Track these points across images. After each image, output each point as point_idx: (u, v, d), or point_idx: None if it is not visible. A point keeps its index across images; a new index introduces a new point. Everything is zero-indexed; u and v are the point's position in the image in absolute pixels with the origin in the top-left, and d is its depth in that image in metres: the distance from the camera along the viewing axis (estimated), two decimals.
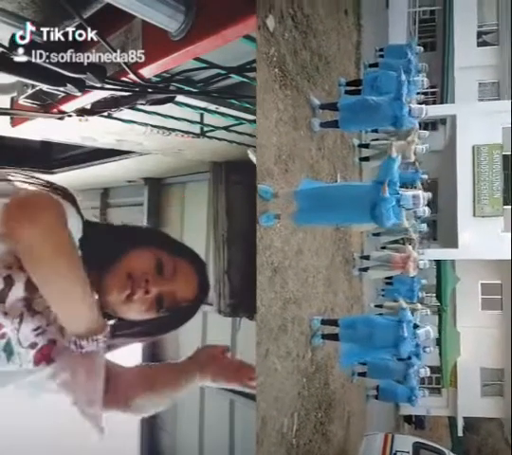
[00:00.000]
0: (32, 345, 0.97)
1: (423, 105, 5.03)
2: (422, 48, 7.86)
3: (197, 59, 1.93)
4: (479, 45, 10.72)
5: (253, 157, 2.93)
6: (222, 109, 2.25)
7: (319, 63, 5.28)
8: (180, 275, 1.07)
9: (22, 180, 1.04)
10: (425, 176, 8.29)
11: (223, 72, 1.95)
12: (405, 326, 4.28)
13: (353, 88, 5.79)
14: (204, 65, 1.93)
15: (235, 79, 2.01)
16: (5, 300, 0.92)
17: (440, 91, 10.89)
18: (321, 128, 4.89)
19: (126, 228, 1.17)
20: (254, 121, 2.54)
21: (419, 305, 6.99)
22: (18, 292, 0.94)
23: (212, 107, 2.22)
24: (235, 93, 2.13)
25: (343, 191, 3.65)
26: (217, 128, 2.64)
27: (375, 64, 7.49)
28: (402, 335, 4.24)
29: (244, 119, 2.46)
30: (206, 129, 2.67)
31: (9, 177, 1.04)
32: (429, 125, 10.53)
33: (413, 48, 7.35)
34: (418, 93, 7.81)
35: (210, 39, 1.74)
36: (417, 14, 12.22)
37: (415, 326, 4.43)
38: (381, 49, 8.36)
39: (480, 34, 10.72)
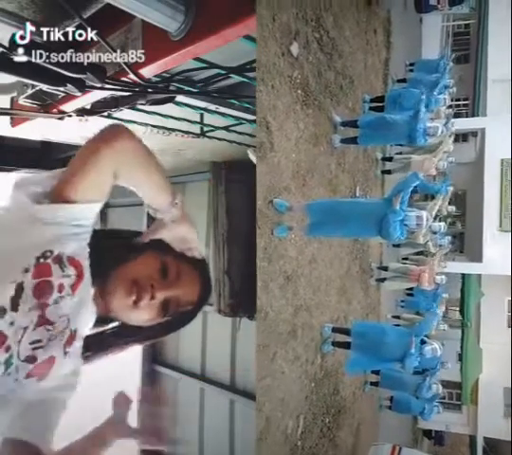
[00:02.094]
0: (30, 359, 0.89)
1: (438, 124, 4.96)
2: (452, 63, 7.60)
3: (197, 59, 1.86)
4: None
5: (253, 157, 2.85)
6: (222, 109, 2.17)
7: (343, 81, 5.24)
8: (184, 278, 1.02)
9: None
10: (450, 188, 7.95)
11: (223, 72, 1.87)
12: (413, 341, 4.09)
13: (377, 105, 5.70)
14: (204, 65, 1.86)
15: (235, 79, 1.93)
16: (17, 308, 0.85)
17: (471, 103, 10.47)
18: (342, 144, 4.87)
19: (130, 233, 1.12)
20: (254, 121, 2.45)
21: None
22: (29, 299, 0.86)
23: (212, 107, 2.15)
24: (235, 93, 2.05)
25: (353, 207, 3.61)
26: (217, 128, 2.57)
27: (404, 80, 7.30)
28: (409, 349, 4.05)
29: (244, 119, 2.37)
30: (206, 129, 2.60)
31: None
32: (460, 137, 10.13)
33: (444, 64, 7.13)
34: (450, 106, 7.58)
35: (210, 39, 1.67)
36: (451, 28, 11.87)
37: (422, 342, 4.20)
38: (412, 64, 8.15)
39: None
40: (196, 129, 2.54)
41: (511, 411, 10.17)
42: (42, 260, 0.89)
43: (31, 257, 0.88)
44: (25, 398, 0.92)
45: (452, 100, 8.89)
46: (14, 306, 0.85)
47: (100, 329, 1.06)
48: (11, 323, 0.85)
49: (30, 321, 0.87)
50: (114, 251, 1.00)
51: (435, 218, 6.75)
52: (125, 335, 1.07)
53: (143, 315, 0.98)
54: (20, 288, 0.85)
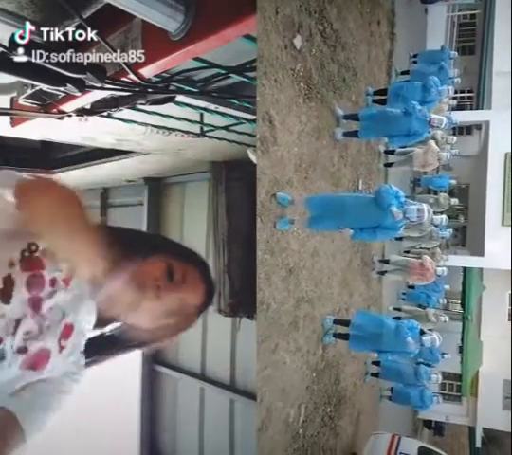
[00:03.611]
0: (21, 349, 0.90)
1: (443, 117, 4.91)
2: (456, 53, 7.48)
3: (197, 59, 1.85)
4: None
5: (253, 157, 2.84)
6: (222, 109, 2.16)
7: (346, 74, 5.19)
8: (189, 281, 1.02)
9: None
10: (453, 182, 7.91)
11: (223, 72, 1.86)
12: (410, 336, 4.13)
13: (380, 97, 5.64)
14: (204, 65, 1.85)
15: (235, 78, 1.92)
16: (10, 300, 0.86)
17: (476, 96, 10.32)
18: (344, 137, 4.85)
19: (134, 233, 1.13)
20: (254, 121, 2.43)
21: (434, 311, 6.73)
22: (22, 293, 0.87)
23: (212, 107, 2.13)
24: (235, 93, 2.04)
25: (352, 201, 3.59)
26: (217, 128, 2.55)
27: (407, 72, 7.21)
28: (404, 344, 4.09)
29: (243, 119, 2.35)
30: (206, 129, 2.58)
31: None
32: (464, 130, 10.02)
33: (446, 55, 7.03)
34: (455, 98, 7.49)
35: (210, 39, 1.66)
36: (457, 18, 11.64)
37: (422, 332, 4.24)
38: (416, 55, 8.03)
39: None
40: (196, 129, 2.53)
41: (511, 403, 10.24)
42: (27, 253, 0.89)
43: (16, 250, 0.88)
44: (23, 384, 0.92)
45: (456, 92, 8.76)
46: (5, 299, 0.85)
47: (101, 331, 1.06)
48: (2, 316, 0.85)
49: (23, 314, 0.87)
50: (121, 251, 0.98)
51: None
52: (127, 337, 1.07)
53: (147, 316, 0.98)
54: (9, 281, 0.86)
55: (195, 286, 1.04)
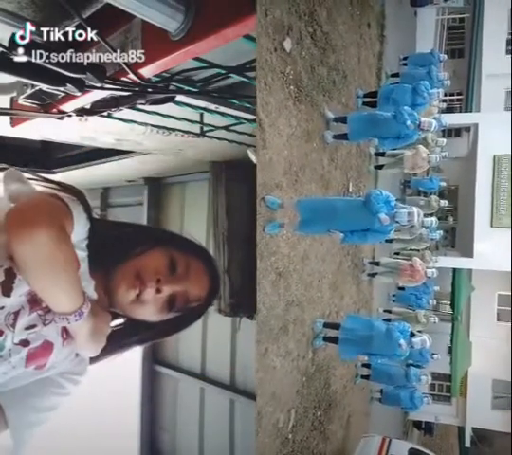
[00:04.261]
0: (24, 343, 0.90)
1: (433, 120, 4.99)
2: (445, 56, 7.63)
3: (197, 58, 1.87)
4: (508, 52, 10.27)
5: (253, 157, 2.87)
6: (222, 109, 2.19)
7: (336, 76, 5.25)
8: (192, 273, 1.03)
9: (32, 180, 1.01)
10: (443, 183, 8.06)
11: (223, 72, 1.89)
12: (401, 340, 4.20)
13: (370, 100, 5.71)
14: (204, 65, 1.88)
15: (235, 78, 1.95)
16: (10, 293, 0.86)
17: (465, 98, 10.53)
18: (334, 140, 4.91)
19: (135, 227, 1.13)
20: (254, 121, 2.47)
21: (424, 312, 6.83)
22: (24, 286, 0.87)
23: (212, 107, 2.16)
24: (235, 93, 2.07)
25: (341, 204, 3.65)
26: (217, 128, 2.58)
27: (397, 74, 7.32)
28: (395, 347, 4.15)
29: (243, 119, 2.38)
30: (206, 129, 2.61)
31: (23, 178, 0.99)
32: (453, 132, 10.21)
33: (436, 58, 7.16)
34: (444, 101, 7.62)
35: (210, 39, 1.68)
36: (446, 21, 11.88)
37: (412, 334, 4.31)
38: (405, 58, 8.17)
39: (509, 42, 10.25)
40: (196, 129, 2.55)
41: (511, 403, 10.43)
42: None
43: None
44: (23, 382, 0.93)
45: (446, 95, 8.94)
46: (6, 291, 0.86)
47: None
48: (1, 308, 0.86)
49: (21, 306, 0.88)
50: (121, 245, 1.00)
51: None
52: (132, 332, 1.08)
53: (148, 309, 0.99)
54: (10, 274, 0.87)
55: (199, 279, 1.04)
